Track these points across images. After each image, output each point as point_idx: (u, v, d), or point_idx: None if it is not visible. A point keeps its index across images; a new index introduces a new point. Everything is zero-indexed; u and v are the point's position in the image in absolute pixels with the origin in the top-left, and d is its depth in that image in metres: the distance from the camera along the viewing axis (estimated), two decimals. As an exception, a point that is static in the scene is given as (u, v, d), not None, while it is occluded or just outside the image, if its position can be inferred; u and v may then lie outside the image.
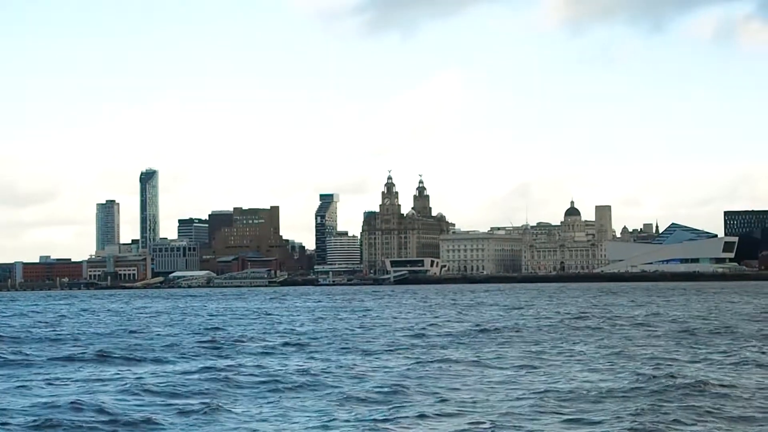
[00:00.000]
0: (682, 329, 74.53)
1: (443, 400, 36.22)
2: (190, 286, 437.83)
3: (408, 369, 46.53)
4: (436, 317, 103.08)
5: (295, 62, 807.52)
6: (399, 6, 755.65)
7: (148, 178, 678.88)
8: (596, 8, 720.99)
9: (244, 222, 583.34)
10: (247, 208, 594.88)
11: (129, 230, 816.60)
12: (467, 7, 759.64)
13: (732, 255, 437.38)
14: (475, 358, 51.61)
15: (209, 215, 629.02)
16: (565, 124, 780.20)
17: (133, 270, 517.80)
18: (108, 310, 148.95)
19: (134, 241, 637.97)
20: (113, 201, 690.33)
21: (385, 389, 39.19)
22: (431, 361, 49.87)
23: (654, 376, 41.66)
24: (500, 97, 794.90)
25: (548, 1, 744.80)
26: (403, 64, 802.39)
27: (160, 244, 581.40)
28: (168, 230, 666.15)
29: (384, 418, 32.90)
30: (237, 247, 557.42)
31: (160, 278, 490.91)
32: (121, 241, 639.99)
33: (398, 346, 60.67)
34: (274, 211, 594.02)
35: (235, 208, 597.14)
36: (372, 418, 32.88)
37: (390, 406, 35.12)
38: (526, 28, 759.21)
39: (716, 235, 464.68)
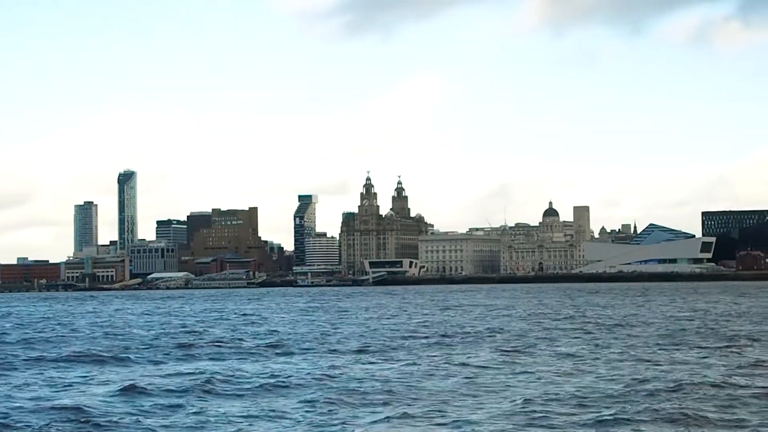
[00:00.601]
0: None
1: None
2: (168, 288, 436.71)
3: (389, 370, 46.52)
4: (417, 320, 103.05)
5: (274, 63, 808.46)
6: (379, 7, 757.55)
7: (126, 180, 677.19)
8: (575, 10, 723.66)
9: (223, 223, 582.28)
10: (225, 209, 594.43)
11: (107, 232, 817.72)
12: (447, 8, 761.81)
13: (710, 255, 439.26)
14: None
15: (187, 216, 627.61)
16: (543, 125, 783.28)
17: (111, 271, 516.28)
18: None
19: (112, 243, 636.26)
20: (91, 202, 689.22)
21: (361, 391, 39.19)
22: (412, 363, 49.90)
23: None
24: (479, 98, 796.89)
25: (527, 3, 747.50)
26: (383, 66, 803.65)
27: (138, 246, 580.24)
28: (146, 231, 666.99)
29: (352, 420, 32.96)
30: (215, 248, 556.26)
31: (138, 280, 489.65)
32: (99, 243, 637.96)
33: (379, 347, 60.64)
34: (253, 212, 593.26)
35: (213, 209, 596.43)
36: (338, 420, 32.97)
37: (366, 409, 35.13)
38: (505, 30, 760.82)
39: (694, 236, 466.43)
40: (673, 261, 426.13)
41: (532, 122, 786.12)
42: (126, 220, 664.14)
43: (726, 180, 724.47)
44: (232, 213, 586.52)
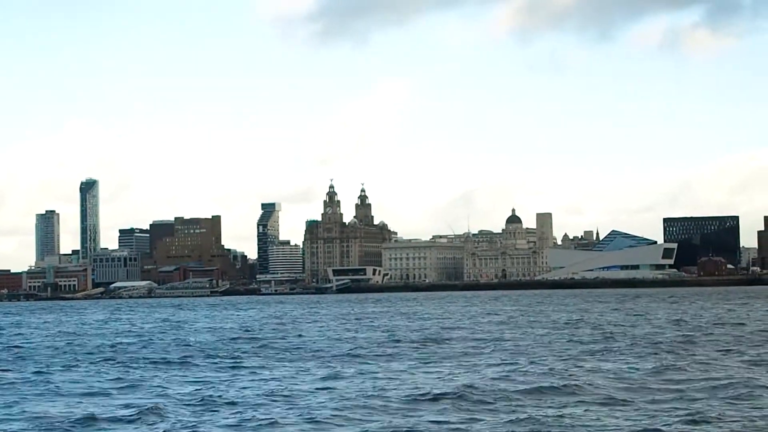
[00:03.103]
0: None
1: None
2: (131, 297, 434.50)
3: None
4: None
5: (244, 70, 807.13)
6: (351, 14, 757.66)
7: (88, 188, 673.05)
8: (545, 17, 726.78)
9: (186, 232, 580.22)
10: (188, 217, 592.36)
11: (69, 241, 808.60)
12: (419, 16, 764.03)
13: (671, 261, 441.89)
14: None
15: (150, 225, 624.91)
16: (509, 132, 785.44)
17: (74, 281, 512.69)
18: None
19: (74, 252, 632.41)
20: (53, 211, 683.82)
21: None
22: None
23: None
24: (446, 105, 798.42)
25: (498, 11, 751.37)
26: (353, 73, 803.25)
27: (100, 255, 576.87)
28: (109, 240, 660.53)
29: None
30: (178, 257, 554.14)
31: (101, 289, 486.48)
32: (62, 252, 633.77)
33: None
34: (216, 220, 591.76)
35: (176, 218, 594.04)
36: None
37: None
38: (475, 37, 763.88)
39: (656, 242, 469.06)
40: (635, 267, 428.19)
41: (498, 129, 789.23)
42: (88, 229, 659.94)
43: (689, 187, 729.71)
44: (195, 221, 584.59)
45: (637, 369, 47.95)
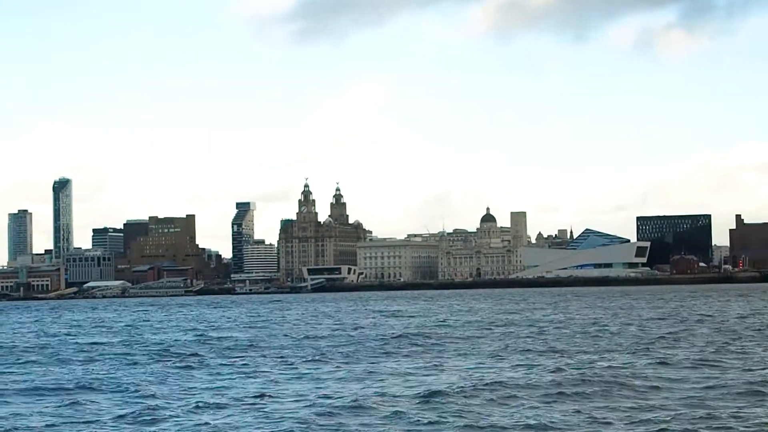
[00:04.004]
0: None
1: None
2: (104, 297, 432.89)
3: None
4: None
5: (220, 69, 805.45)
6: (329, 14, 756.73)
7: (61, 188, 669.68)
8: (521, 17, 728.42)
9: (160, 231, 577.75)
10: (162, 216, 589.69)
11: (42, 240, 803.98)
12: (396, 15, 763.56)
13: (644, 260, 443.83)
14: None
15: (124, 224, 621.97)
16: (484, 131, 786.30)
17: (47, 281, 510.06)
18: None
19: (47, 252, 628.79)
20: (26, 211, 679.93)
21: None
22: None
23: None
24: (422, 105, 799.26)
25: (475, 11, 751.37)
26: (329, 73, 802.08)
27: (74, 254, 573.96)
28: (82, 240, 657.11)
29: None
30: (152, 256, 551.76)
31: (74, 289, 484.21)
32: (34, 252, 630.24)
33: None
34: (190, 219, 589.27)
35: (150, 217, 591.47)
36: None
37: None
38: (452, 37, 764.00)
39: (629, 241, 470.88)
40: (609, 266, 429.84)
41: (473, 129, 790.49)
42: (61, 229, 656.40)
43: (662, 186, 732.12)
44: (170, 221, 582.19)
45: None
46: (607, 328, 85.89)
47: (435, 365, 52.75)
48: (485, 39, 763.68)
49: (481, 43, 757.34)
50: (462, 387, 42.09)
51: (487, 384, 42.96)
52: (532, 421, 33.57)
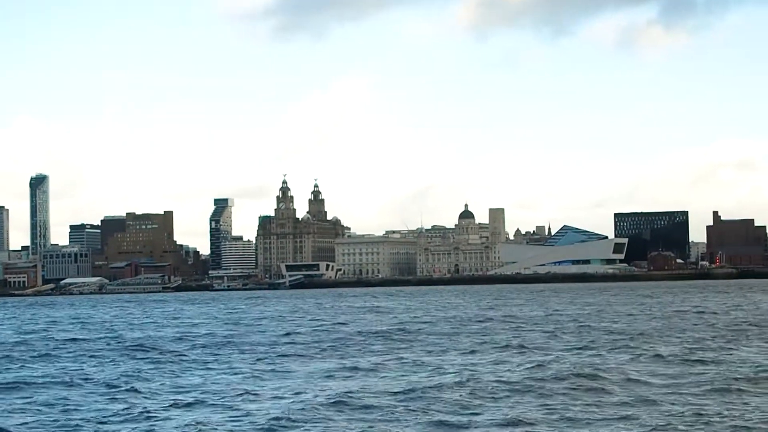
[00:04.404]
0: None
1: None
2: (81, 293, 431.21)
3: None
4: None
5: (201, 65, 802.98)
6: (311, 9, 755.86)
7: (38, 184, 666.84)
8: (502, 14, 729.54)
9: (138, 227, 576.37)
10: (140, 213, 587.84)
11: (19, 237, 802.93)
12: (378, 11, 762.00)
13: (622, 256, 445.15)
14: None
15: (101, 221, 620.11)
16: (463, 128, 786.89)
17: (23, 277, 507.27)
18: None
19: (24, 248, 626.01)
20: (2, 207, 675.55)
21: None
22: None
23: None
24: (402, 101, 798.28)
25: (455, 7, 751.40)
26: (309, 69, 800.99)
27: (50, 251, 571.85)
28: (59, 236, 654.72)
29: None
30: (130, 252, 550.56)
31: (51, 285, 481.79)
32: (11, 248, 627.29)
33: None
34: (168, 216, 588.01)
35: (128, 213, 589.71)
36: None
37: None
38: (433, 34, 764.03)
39: (607, 237, 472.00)
40: (587, 262, 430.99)
41: (453, 125, 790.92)
42: (38, 225, 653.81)
43: (640, 182, 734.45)
44: (147, 217, 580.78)
45: None
46: (587, 324, 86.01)
47: (414, 361, 52.73)
48: (466, 35, 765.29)
49: (462, 40, 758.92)
50: (446, 382, 42.12)
51: (474, 380, 42.97)
52: (505, 416, 33.59)
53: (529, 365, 48.61)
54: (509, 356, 54.65)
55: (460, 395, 38.61)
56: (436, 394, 38.79)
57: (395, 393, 39.54)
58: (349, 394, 39.15)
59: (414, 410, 35.40)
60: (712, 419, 32.61)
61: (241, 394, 40.71)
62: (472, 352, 58.39)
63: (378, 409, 35.69)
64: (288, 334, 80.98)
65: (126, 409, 37.77)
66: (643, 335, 69.19)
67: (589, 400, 37.14)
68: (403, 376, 45.94)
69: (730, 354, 52.75)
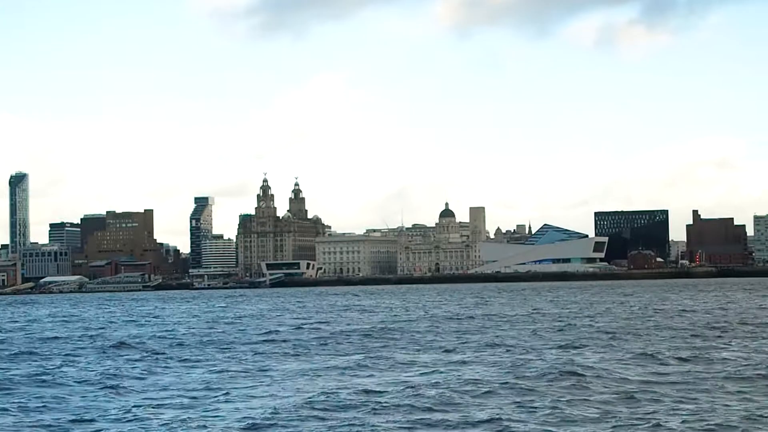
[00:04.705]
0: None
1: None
2: (61, 292, 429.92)
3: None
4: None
5: (182, 63, 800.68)
6: (291, 8, 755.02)
7: (17, 182, 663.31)
8: (484, 13, 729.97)
9: (118, 226, 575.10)
10: (120, 211, 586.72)
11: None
12: (359, 10, 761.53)
13: (602, 255, 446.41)
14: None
15: (81, 219, 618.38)
16: (444, 126, 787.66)
17: (3, 276, 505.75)
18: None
19: (3, 246, 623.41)
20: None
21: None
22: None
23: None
24: (383, 100, 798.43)
25: (437, 6, 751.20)
26: (290, 67, 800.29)
27: (30, 249, 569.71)
28: (39, 235, 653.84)
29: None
30: (110, 251, 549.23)
31: (31, 284, 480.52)
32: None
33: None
34: (148, 214, 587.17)
35: (108, 212, 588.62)
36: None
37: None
38: (414, 32, 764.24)
39: (587, 236, 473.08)
40: (567, 261, 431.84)
41: (434, 124, 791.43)
42: (18, 224, 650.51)
43: (620, 181, 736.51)
44: (127, 215, 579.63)
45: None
46: (570, 323, 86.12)
47: (395, 360, 52.65)
48: (447, 34, 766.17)
49: (443, 39, 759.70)
50: (427, 381, 42.04)
51: (462, 380, 42.90)
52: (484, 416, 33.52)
53: (510, 363, 48.53)
54: (490, 354, 54.60)
55: (440, 393, 38.49)
56: (416, 393, 38.65)
57: (374, 392, 39.39)
58: (327, 394, 39.00)
59: (392, 408, 35.26)
60: (690, 418, 32.62)
61: (215, 394, 40.55)
62: (453, 350, 58.33)
63: (355, 409, 35.56)
64: (269, 332, 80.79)
65: (103, 407, 37.57)
66: (624, 333, 69.26)
67: (570, 397, 37.08)
68: (383, 374, 45.83)
69: (708, 353, 52.79)
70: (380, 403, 36.52)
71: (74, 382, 45.84)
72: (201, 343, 70.28)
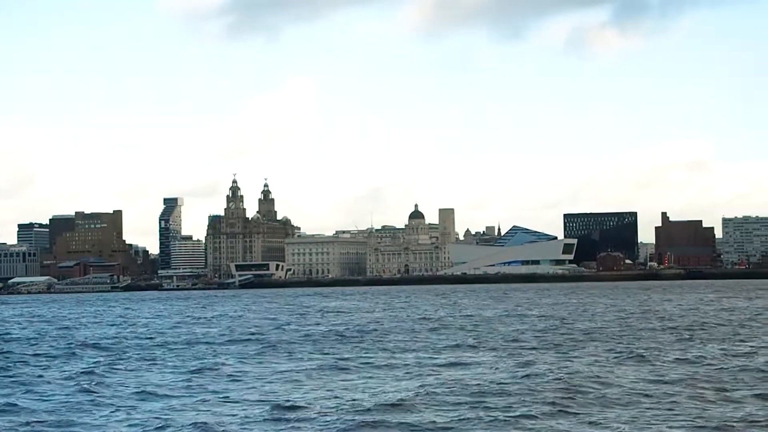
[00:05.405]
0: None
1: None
2: (30, 293, 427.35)
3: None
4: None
5: (152, 63, 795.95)
6: (264, 9, 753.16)
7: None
8: (455, 15, 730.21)
9: (86, 226, 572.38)
10: (89, 212, 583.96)
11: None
12: (330, 12, 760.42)
13: (571, 256, 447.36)
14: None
15: (50, 220, 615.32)
16: (414, 128, 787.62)
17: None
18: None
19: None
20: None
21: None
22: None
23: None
24: (354, 101, 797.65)
25: (409, 8, 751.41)
26: (262, 68, 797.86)
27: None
28: (7, 235, 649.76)
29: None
30: (79, 252, 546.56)
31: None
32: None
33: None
34: (117, 215, 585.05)
35: (77, 213, 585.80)
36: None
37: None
38: (386, 34, 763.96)
39: (556, 238, 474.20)
40: (536, 262, 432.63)
41: (404, 125, 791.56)
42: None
43: (590, 183, 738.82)
44: (96, 216, 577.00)
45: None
46: (544, 325, 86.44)
47: (365, 362, 52.77)
48: (418, 36, 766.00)
49: (415, 41, 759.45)
50: (400, 385, 42.19)
51: (435, 380, 43.07)
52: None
53: (487, 365, 48.73)
54: (463, 354, 54.79)
55: (409, 395, 38.63)
56: (388, 398, 38.79)
57: (342, 398, 39.44)
58: (294, 399, 39.10)
59: (361, 412, 35.38)
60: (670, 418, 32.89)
61: (175, 396, 40.64)
62: (426, 351, 58.49)
63: (315, 415, 35.57)
64: (232, 333, 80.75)
65: (59, 409, 37.57)
66: (592, 333, 69.69)
67: (545, 399, 37.31)
68: (353, 378, 45.94)
69: (665, 354, 53.18)
70: (347, 406, 36.64)
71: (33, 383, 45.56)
72: (161, 345, 70.10)
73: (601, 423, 32.53)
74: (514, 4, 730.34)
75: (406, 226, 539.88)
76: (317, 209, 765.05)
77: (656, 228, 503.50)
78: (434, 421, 33.07)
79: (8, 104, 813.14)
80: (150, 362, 55.75)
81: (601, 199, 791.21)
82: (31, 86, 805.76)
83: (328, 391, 40.90)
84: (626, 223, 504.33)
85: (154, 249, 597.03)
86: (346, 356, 56.52)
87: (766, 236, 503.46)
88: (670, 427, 31.68)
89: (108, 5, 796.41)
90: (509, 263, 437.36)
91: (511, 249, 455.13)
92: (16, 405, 39.08)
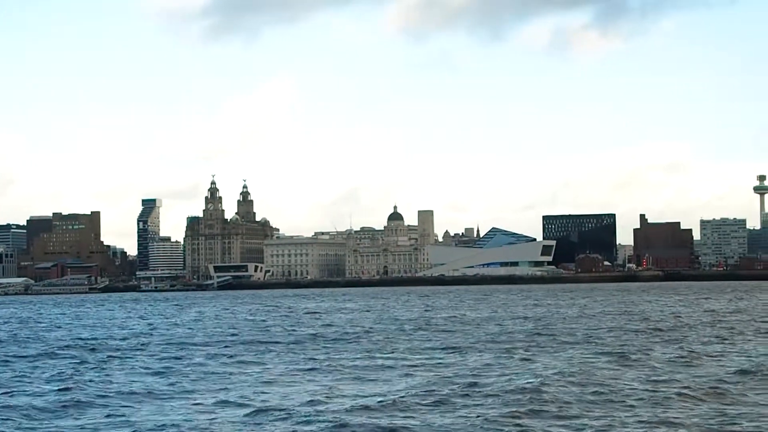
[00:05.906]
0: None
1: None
2: (6, 294, 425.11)
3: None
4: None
5: (131, 64, 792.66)
6: (244, 10, 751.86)
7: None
8: (437, 16, 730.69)
9: (64, 228, 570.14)
10: (67, 213, 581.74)
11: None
12: (313, 13, 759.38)
13: (550, 258, 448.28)
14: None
15: (27, 221, 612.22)
16: (393, 129, 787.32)
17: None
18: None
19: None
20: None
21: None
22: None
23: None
24: (333, 102, 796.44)
25: (390, 9, 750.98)
26: (242, 70, 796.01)
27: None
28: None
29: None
30: (56, 253, 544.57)
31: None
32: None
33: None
34: (95, 216, 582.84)
35: (54, 214, 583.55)
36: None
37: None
38: (369, 35, 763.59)
39: (535, 239, 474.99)
40: (515, 264, 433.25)
41: (383, 127, 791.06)
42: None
43: (568, 185, 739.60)
44: (74, 217, 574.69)
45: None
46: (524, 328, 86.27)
47: (345, 365, 52.44)
48: (400, 38, 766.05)
49: (396, 42, 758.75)
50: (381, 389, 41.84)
51: (415, 382, 42.79)
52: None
53: (468, 365, 48.46)
54: (446, 355, 54.52)
55: (389, 397, 38.32)
56: (366, 401, 38.48)
57: (320, 399, 39.07)
58: (271, 400, 38.75)
59: (340, 413, 35.03)
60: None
61: (146, 397, 40.27)
62: (406, 352, 58.21)
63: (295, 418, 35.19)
64: (210, 334, 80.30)
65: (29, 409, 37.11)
66: (573, 334, 69.53)
67: (528, 398, 37.06)
68: (331, 379, 45.58)
69: (648, 354, 53.07)
70: (320, 410, 36.32)
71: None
72: (136, 348, 69.58)
73: (581, 423, 32.28)
74: (495, 6, 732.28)
75: (385, 227, 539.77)
76: (296, 210, 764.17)
77: (635, 230, 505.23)
78: (413, 422, 32.76)
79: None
80: (127, 364, 55.27)
81: (580, 201, 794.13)
82: (8, 87, 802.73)
83: (306, 392, 40.56)
84: (605, 224, 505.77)
85: (132, 250, 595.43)
86: (322, 357, 56.19)
87: (744, 238, 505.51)
88: (657, 428, 31.47)
89: (88, 6, 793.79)
90: (488, 265, 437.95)
91: (490, 251, 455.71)
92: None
